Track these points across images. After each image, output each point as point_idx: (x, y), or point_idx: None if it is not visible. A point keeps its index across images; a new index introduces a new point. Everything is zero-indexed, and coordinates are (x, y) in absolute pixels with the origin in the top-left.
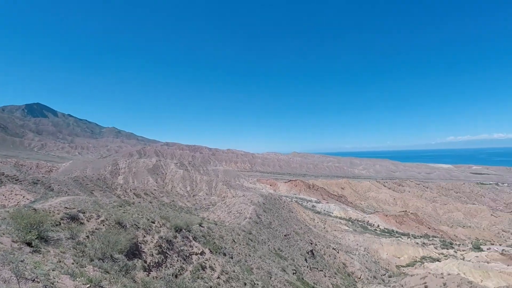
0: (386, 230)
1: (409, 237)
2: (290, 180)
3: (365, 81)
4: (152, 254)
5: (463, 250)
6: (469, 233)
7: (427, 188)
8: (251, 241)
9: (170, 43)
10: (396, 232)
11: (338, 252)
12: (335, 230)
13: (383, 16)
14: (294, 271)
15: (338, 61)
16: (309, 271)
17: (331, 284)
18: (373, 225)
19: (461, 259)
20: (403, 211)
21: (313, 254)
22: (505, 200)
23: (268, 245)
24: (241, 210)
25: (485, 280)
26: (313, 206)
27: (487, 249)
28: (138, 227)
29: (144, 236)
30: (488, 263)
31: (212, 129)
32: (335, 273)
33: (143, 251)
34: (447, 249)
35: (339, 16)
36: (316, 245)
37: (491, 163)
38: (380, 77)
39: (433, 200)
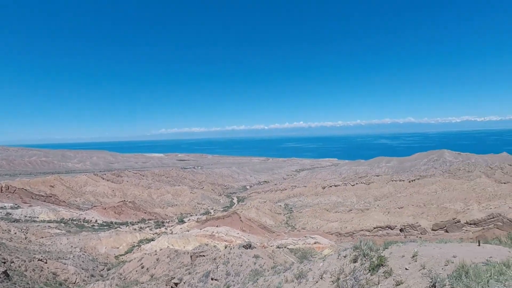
0: (105, 223)
1: (128, 225)
2: None
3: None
4: None
5: (172, 226)
6: (176, 210)
7: (144, 176)
8: None
9: None
10: (115, 223)
11: (46, 262)
12: (43, 237)
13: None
14: None
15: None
16: None
17: None
18: (91, 221)
19: (170, 233)
20: (122, 201)
21: (7, 275)
22: (199, 179)
23: None
24: None
25: (187, 245)
26: (7, 214)
27: (188, 220)
28: None
29: None
30: (188, 231)
31: None
32: None
33: None
34: (160, 228)
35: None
36: (13, 262)
37: (191, 151)
38: (89, 77)
39: (148, 187)
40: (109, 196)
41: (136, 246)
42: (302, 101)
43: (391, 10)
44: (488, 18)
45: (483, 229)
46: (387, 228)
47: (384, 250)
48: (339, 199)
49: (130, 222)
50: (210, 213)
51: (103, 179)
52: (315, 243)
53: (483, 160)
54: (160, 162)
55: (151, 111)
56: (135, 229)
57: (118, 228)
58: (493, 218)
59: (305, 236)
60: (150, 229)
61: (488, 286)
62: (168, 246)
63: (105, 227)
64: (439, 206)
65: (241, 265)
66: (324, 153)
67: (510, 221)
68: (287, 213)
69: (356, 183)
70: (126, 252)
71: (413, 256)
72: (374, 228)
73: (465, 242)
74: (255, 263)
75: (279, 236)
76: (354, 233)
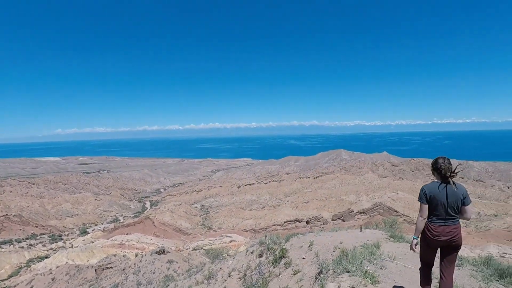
0: None
1: (12, 244)
2: None
3: None
4: None
5: (72, 238)
6: (77, 220)
7: (33, 184)
8: None
9: None
10: None
11: None
12: None
13: None
14: None
15: None
16: None
17: None
18: None
19: (70, 247)
20: (3, 216)
21: None
22: (105, 184)
23: None
24: None
25: (91, 258)
26: None
27: (92, 230)
28: None
29: None
30: (93, 242)
31: None
32: None
33: None
34: (57, 242)
35: None
36: None
37: (95, 153)
38: None
39: (40, 196)
40: None
41: (25, 266)
42: (217, 102)
43: (306, 28)
44: (371, 44)
45: (370, 216)
46: (296, 221)
47: (286, 242)
48: (254, 197)
49: (15, 240)
50: (120, 220)
51: None
52: (231, 241)
53: (370, 158)
54: (56, 167)
55: (42, 108)
56: (23, 247)
57: None
58: (377, 206)
59: (221, 236)
60: (44, 245)
61: (361, 265)
62: (67, 262)
63: None
64: (337, 199)
65: (153, 273)
66: (239, 153)
67: (389, 208)
68: (203, 214)
69: (269, 181)
70: (11, 276)
71: (309, 246)
72: (285, 222)
73: (352, 229)
74: (168, 269)
75: (195, 238)
76: (267, 228)
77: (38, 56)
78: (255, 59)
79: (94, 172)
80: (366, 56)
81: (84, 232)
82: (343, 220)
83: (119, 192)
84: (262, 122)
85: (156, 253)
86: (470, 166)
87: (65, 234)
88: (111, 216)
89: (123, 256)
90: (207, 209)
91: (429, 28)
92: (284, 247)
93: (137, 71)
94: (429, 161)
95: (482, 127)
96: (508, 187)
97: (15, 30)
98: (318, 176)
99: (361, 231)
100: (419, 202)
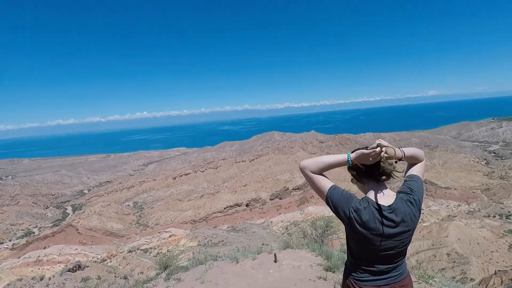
0: None
1: None
2: None
3: None
4: None
5: None
6: None
7: None
8: None
9: None
10: None
11: None
12: None
13: None
14: None
15: None
16: None
17: None
18: None
19: None
20: None
21: None
22: (10, 192)
23: None
24: None
25: None
26: None
27: None
28: None
29: None
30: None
31: None
32: None
33: None
34: None
35: None
36: None
37: None
38: None
39: None
40: None
41: None
42: (145, 90)
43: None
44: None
45: (304, 191)
46: (236, 206)
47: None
48: (191, 187)
49: None
50: (34, 233)
51: None
52: (170, 236)
53: (299, 137)
54: None
55: None
56: None
57: None
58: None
59: (159, 232)
60: None
61: None
62: None
63: None
64: (273, 179)
65: None
66: (172, 143)
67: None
68: (137, 212)
69: (206, 169)
70: None
71: None
72: (225, 208)
73: (264, 256)
74: None
75: (130, 239)
76: (207, 217)
77: None
78: (183, 46)
79: None
80: (291, 42)
81: None
82: (280, 198)
83: (31, 199)
84: (194, 109)
85: (68, 271)
86: (382, 137)
87: None
88: (21, 230)
89: (32, 278)
90: (141, 206)
91: (343, 15)
92: None
93: (46, 56)
94: (351, 135)
95: (390, 103)
96: None
97: None
98: (253, 159)
99: (275, 261)
100: (349, 173)
